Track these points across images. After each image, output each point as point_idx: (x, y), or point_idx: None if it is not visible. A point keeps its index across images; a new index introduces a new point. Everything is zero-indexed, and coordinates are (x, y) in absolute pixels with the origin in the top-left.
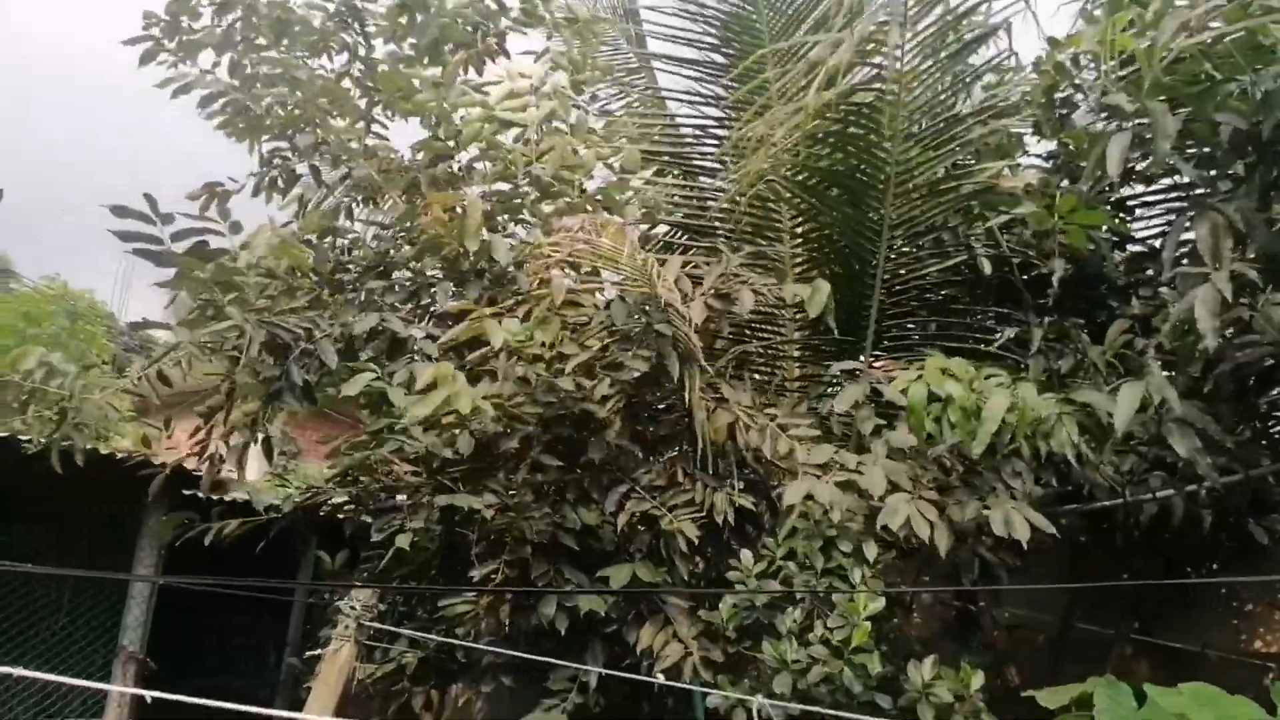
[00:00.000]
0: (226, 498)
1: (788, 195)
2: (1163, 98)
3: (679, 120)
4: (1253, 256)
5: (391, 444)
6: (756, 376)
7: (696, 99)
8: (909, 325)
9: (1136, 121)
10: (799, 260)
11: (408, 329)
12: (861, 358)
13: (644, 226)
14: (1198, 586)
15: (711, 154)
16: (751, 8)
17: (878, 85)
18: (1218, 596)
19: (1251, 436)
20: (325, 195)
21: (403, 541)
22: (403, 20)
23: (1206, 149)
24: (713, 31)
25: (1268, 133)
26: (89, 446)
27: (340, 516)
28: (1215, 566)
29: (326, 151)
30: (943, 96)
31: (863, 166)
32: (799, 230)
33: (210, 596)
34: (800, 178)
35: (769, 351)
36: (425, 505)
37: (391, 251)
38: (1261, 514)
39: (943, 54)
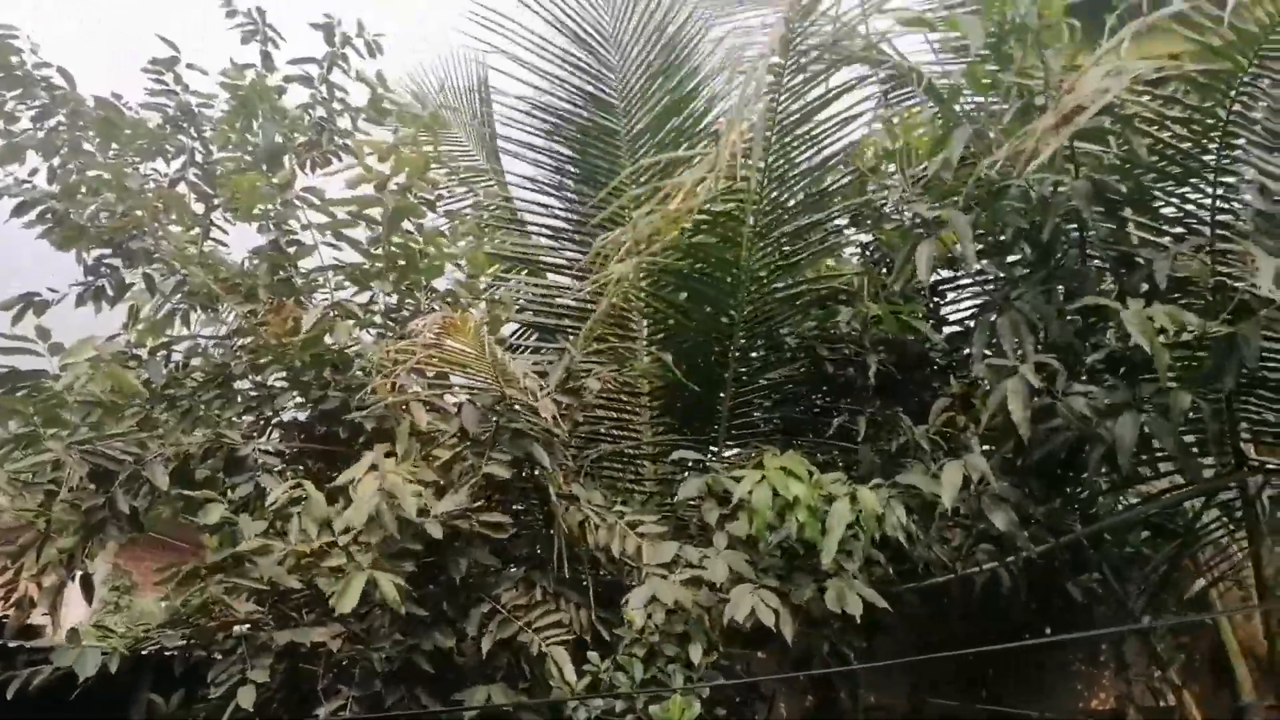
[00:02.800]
0: (42, 645)
1: (642, 301)
2: (955, 199)
3: (530, 220)
4: (1047, 346)
5: (230, 580)
6: (609, 476)
7: (549, 201)
8: (755, 415)
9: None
10: (653, 358)
11: (248, 444)
12: (713, 449)
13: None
14: (1039, 653)
15: (563, 254)
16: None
17: (737, 198)
18: (1055, 661)
19: (1062, 503)
20: (161, 304)
21: (245, 699)
22: (239, 126)
23: (1000, 240)
24: (567, 135)
25: (1046, 234)
26: None
27: (169, 655)
28: (1048, 630)
29: (160, 258)
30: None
31: (716, 272)
32: (652, 330)
33: None
34: (655, 284)
35: (623, 450)
36: (266, 647)
37: (232, 363)
38: (1078, 574)
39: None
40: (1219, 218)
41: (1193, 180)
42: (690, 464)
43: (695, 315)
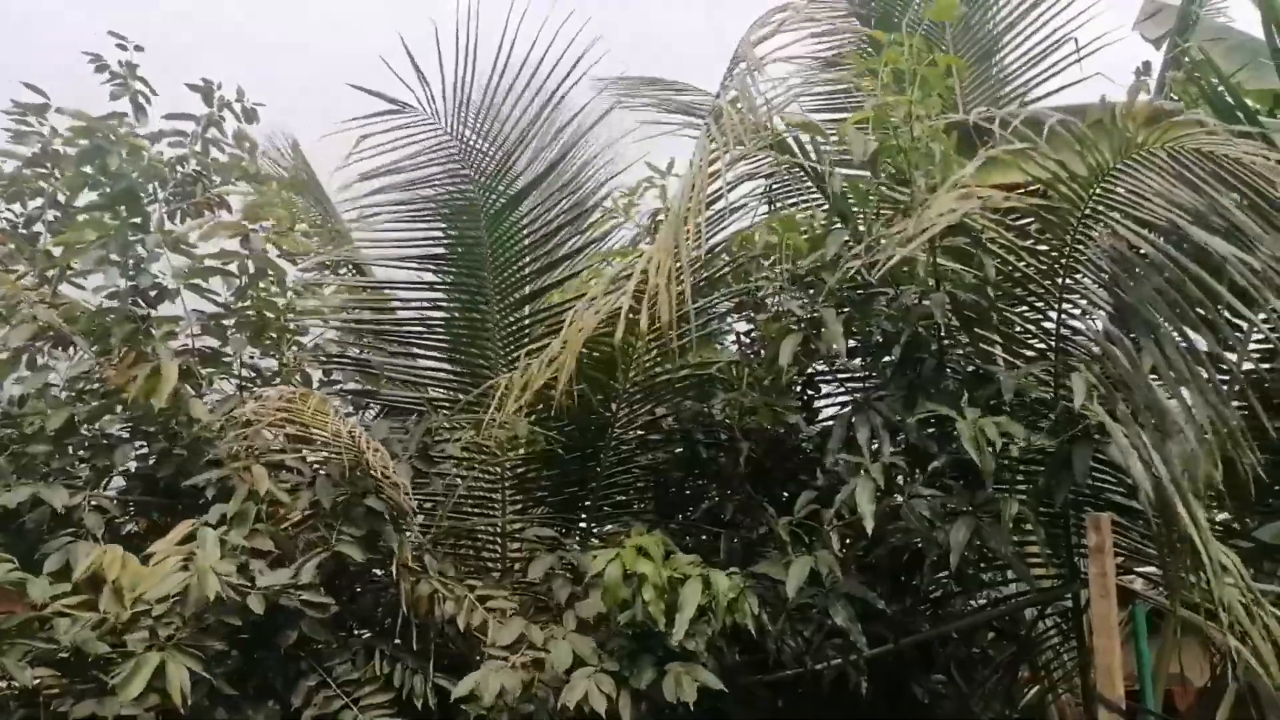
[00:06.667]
0: None
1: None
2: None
3: (392, 289)
4: (906, 449)
5: (21, 649)
6: (465, 549)
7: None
8: (630, 494)
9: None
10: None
11: (73, 497)
12: (582, 526)
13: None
14: None
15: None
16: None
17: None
18: None
19: (913, 602)
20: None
21: None
22: (95, 167)
23: (871, 342)
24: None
25: (905, 338)
26: None
27: None
28: None
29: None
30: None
31: (602, 356)
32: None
33: None
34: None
35: (482, 524)
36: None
37: (74, 413)
38: (928, 673)
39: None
40: (1063, 343)
41: (1038, 304)
42: (549, 541)
43: (575, 396)
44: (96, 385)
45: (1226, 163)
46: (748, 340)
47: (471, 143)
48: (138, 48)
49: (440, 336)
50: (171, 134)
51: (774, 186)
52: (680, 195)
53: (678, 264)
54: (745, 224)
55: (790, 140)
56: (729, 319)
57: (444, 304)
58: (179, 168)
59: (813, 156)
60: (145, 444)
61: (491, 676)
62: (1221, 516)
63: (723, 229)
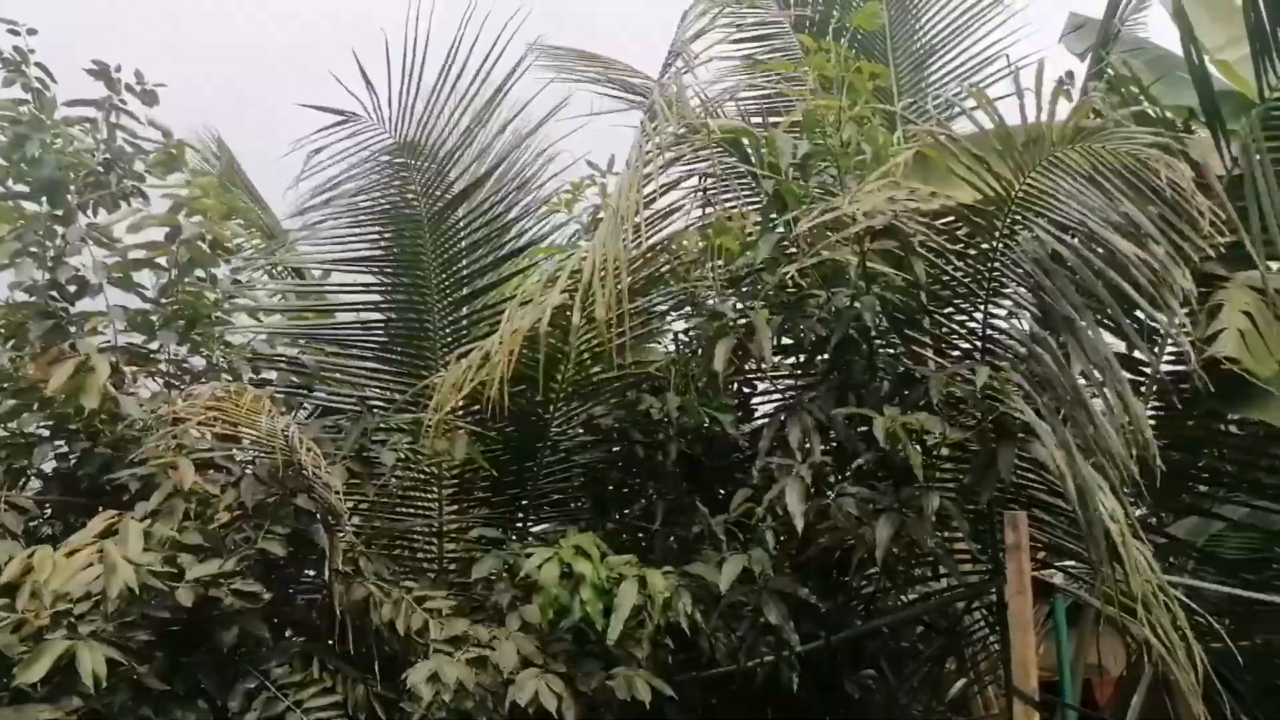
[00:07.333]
0: None
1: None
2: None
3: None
4: (837, 449)
5: None
6: (401, 551)
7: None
8: (566, 494)
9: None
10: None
11: None
12: (519, 526)
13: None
14: None
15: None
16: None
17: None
18: None
19: (845, 599)
20: None
21: None
22: (16, 159)
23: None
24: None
25: (836, 340)
26: None
27: None
28: None
29: None
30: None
31: (538, 355)
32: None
33: None
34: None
35: (419, 526)
36: None
37: None
38: (859, 668)
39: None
40: (989, 344)
41: (965, 306)
42: (489, 542)
43: (513, 396)
44: (8, 384)
45: (1129, 161)
46: (685, 340)
47: (414, 144)
48: (31, 31)
49: (379, 336)
50: (79, 122)
51: (711, 186)
52: (617, 194)
53: (616, 264)
54: (682, 223)
55: (727, 141)
56: (668, 317)
57: (383, 304)
58: (92, 155)
59: (749, 157)
60: (65, 443)
61: (446, 666)
62: (1139, 512)
63: (660, 230)
